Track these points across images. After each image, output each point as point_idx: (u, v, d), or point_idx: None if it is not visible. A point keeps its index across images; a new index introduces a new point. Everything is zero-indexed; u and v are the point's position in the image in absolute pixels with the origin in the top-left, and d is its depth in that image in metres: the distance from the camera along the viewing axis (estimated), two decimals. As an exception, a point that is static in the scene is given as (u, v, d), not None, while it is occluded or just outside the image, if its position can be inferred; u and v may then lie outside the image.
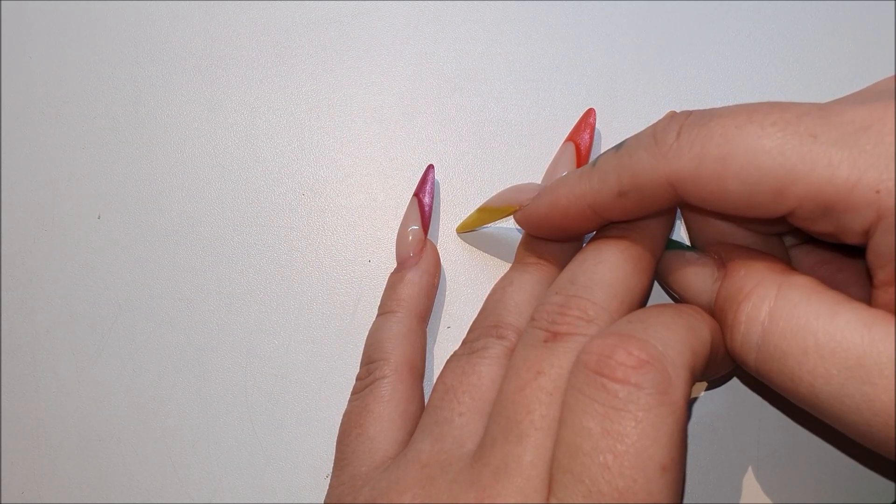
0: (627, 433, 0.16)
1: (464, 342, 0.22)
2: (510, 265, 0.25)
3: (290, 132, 0.28)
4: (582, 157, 0.25)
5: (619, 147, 0.19)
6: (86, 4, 0.30)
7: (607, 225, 0.21)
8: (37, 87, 0.29)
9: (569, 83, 0.27)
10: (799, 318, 0.17)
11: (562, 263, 0.23)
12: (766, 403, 0.24)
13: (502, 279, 0.23)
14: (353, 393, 0.24)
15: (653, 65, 0.27)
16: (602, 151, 0.21)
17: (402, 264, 0.25)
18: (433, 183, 0.26)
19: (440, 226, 0.27)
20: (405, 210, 0.26)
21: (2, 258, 0.28)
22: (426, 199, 0.25)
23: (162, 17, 0.29)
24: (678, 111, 0.19)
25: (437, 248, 0.26)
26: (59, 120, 0.29)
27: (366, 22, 0.28)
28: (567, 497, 0.16)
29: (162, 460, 0.26)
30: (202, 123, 0.28)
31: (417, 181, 0.26)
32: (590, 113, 0.25)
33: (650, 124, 0.19)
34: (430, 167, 0.26)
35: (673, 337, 0.18)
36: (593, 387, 0.17)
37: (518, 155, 0.27)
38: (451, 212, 0.27)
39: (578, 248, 0.23)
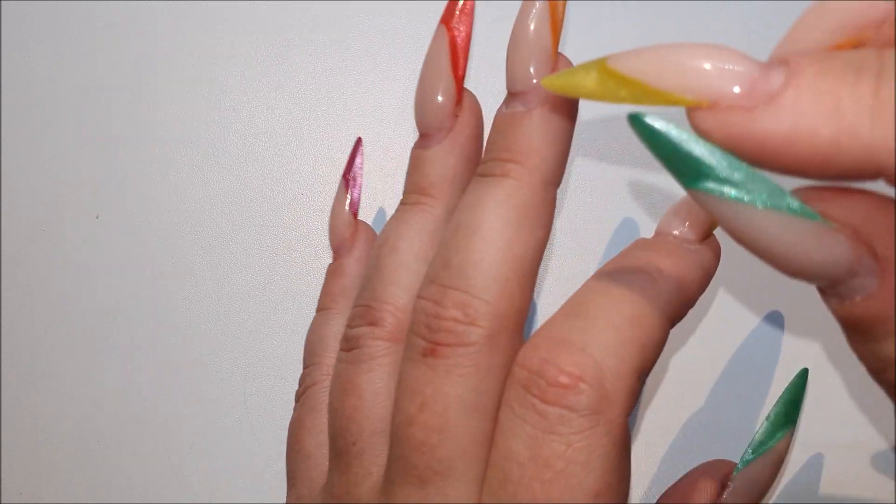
0: (556, 459, 0.15)
1: (345, 327, 0.19)
2: None
3: (290, 131, 0.28)
4: (458, 45, 0.19)
5: None
6: (85, 4, 0.30)
7: (489, 155, 0.17)
8: (35, 87, 0.29)
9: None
10: None
11: (449, 193, 0.19)
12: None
13: (381, 232, 0.20)
14: (295, 399, 0.22)
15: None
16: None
17: (337, 252, 0.23)
18: (361, 158, 0.23)
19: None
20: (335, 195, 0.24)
21: (0, 258, 0.28)
22: (355, 178, 0.23)
23: (161, 17, 0.29)
24: None
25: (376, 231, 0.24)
26: (58, 119, 0.29)
27: (366, 22, 0.28)
28: None
29: (161, 461, 0.26)
30: (201, 123, 0.28)
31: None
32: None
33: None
34: (359, 141, 0.24)
35: (615, 338, 0.15)
36: (524, 406, 0.15)
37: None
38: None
39: (473, 165, 0.19)
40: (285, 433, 0.26)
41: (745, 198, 0.12)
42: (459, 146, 0.19)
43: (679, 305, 0.17)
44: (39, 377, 0.27)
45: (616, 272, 0.17)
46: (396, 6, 0.28)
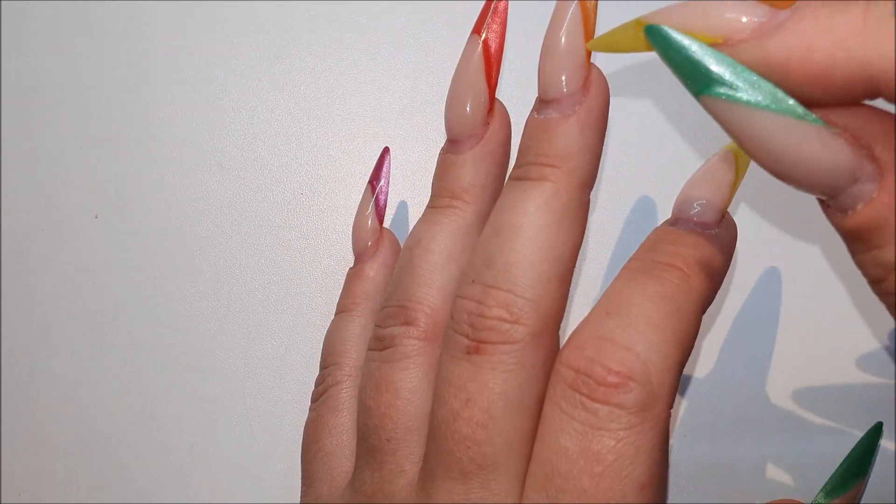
0: (606, 453, 0.15)
1: (375, 326, 0.20)
2: None
3: (289, 131, 0.28)
4: (491, 55, 0.20)
5: None
6: (85, 4, 0.30)
7: (524, 159, 0.18)
8: (34, 87, 0.29)
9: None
10: None
11: (480, 199, 0.20)
12: (768, 403, 0.24)
13: (411, 234, 0.20)
14: (311, 400, 0.22)
15: (653, 64, 0.27)
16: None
17: (359, 257, 0.23)
18: (388, 166, 0.24)
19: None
20: (360, 200, 0.24)
21: (0, 258, 0.28)
22: (381, 186, 0.23)
23: (161, 17, 0.29)
24: None
25: (398, 238, 0.24)
26: (58, 119, 0.29)
27: (366, 21, 0.28)
28: None
29: (160, 461, 0.26)
30: (200, 123, 0.28)
31: (420, 181, 0.26)
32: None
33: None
34: (386, 150, 0.24)
35: (657, 334, 0.16)
36: (571, 404, 0.16)
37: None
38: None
39: (503, 171, 0.20)
40: (285, 433, 0.26)
41: (753, 100, 0.13)
42: (490, 153, 0.20)
43: (710, 293, 0.17)
44: (39, 377, 0.27)
45: (649, 268, 0.17)
46: (396, 6, 0.28)
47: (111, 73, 0.29)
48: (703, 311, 0.17)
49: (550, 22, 0.18)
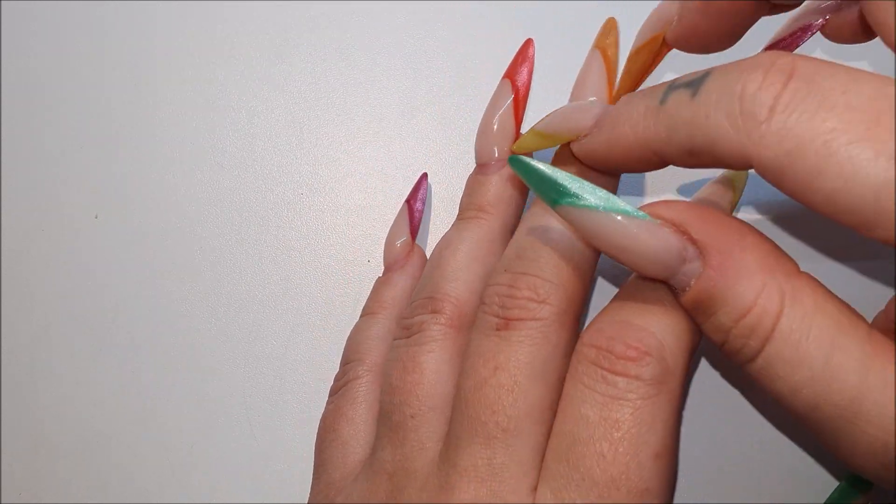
0: (624, 420, 0.16)
1: (401, 317, 0.21)
2: None
3: (289, 131, 0.28)
4: (519, 98, 0.23)
5: (695, 91, 0.16)
6: (85, 4, 0.30)
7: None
8: (35, 87, 0.29)
9: (568, 83, 0.27)
10: (800, 348, 0.15)
11: (504, 212, 0.22)
12: (767, 402, 0.24)
13: (441, 239, 0.22)
14: (329, 394, 0.23)
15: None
16: (674, 79, 0.18)
17: (389, 267, 0.25)
18: (426, 191, 0.26)
19: (429, 231, 0.27)
20: (395, 215, 0.26)
21: (0, 258, 0.28)
22: (417, 206, 0.25)
23: (160, 17, 0.29)
24: (776, 52, 0.16)
25: (426, 254, 0.26)
26: (58, 119, 0.29)
27: (365, 22, 0.28)
28: (559, 486, 0.17)
29: (160, 461, 0.26)
30: (201, 123, 0.28)
31: (415, 181, 0.26)
32: (528, 44, 0.24)
33: (739, 60, 0.16)
34: (424, 175, 0.26)
35: (670, 321, 0.17)
36: (593, 378, 0.17)
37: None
38: (450, 211, 0.27)
39: (525, 190, 0.23)
40: (285, 433, 0.26)
41: (593, 204, 0.17)
42: (514, 174, 0.22)
43: None
44: (39, 377, 0.27)
45: None
46: (396, 6, 0.28)
47: (111, 73, 0.29)
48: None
49: (578, 80, 0.22)
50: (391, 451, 0.19)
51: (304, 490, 0.25)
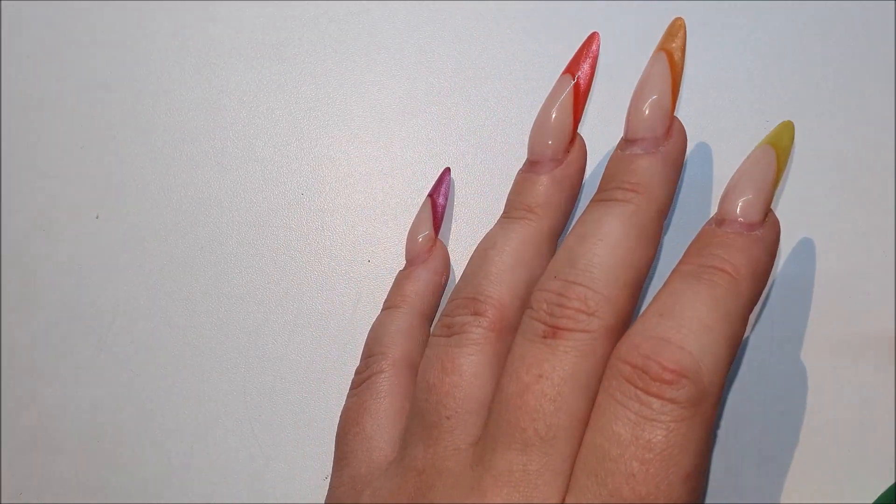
0: (657, 442, 0.16)
1: (442, 315, 0.21)
2: None
3: (289, 131, 0.28)
4: (580, 93, 0.22)
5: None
6: (85, 4, 0.30)
7: (609, 185, 0.20)
8: (35, 87, 0.29)
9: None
10: None
11: (553, 216, 0.21)
12: (767, 402, 0.24)
13: (486, 237, 0.22)
14: (351, 388, 0.23)
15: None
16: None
17: (411, 261, 0.25)
18: (448, 185, 0.26)
19: (452, 227, 0.27)
20: (418, 210, 0.26)
21: (1, 258, 0.28)
22: (440, 201, 0.25)
23: (161, 16, 0.29)
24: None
25: (448, 250, 0.26)
26: (57, 119, 0.29)
27: (365, 22, 0.28)
28: (588, 500, 0.16)
29: (160, 461, 0.26)
30: (201, 123, 0.28)
31: (419, 181, 0.26)
32: (592, 39, 0.22)
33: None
34: (447, 170, 0.26)
35: (709, 336, 0.17)
36: (626, 395, 0.17)
37: (517, 155, 0.27)
38: (452, 211, 0.27)
39: (575, 195, 0.22)
40: (285, 433, 0.26)
41: None
42: (567, 176, 0.22)
43: (756, 295, 0.19)
44: (39, 377, 0.27)
45: (699, 272, 0.18)
46: (396, 6, 0.28)
47: (111, 72, 0.29)
48: (750, 312, 0.18)
49: (645, 77, 0.20)
50: (423, 449, 0.19)
51: (306, 490, 0.25)
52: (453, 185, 0.26)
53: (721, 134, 0.26)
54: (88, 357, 0.27)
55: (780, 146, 0.20)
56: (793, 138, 0.20)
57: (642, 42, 0.27)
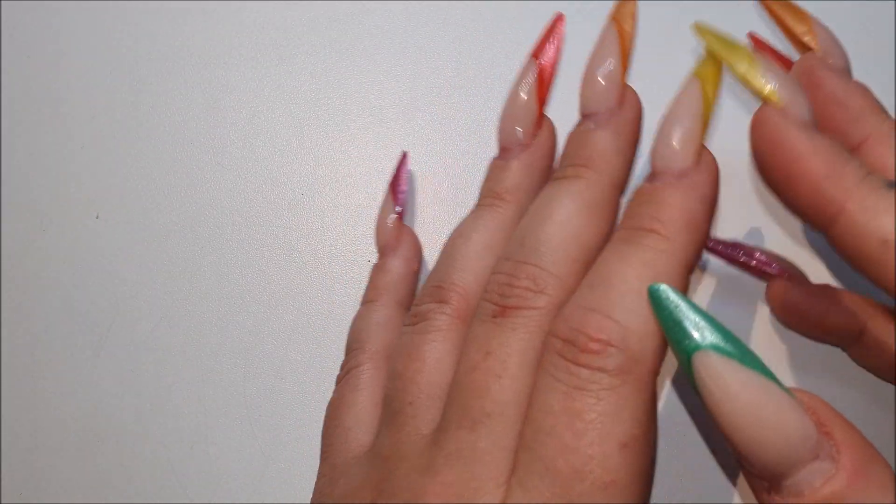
0: (587, 411, 0.16)
1: (412, 306, 0.21)
2: None
3: (290, 131, 0.28)
4: (544, 77, 0.22)
5: None
6: (85, 4, 0.30)
7: (563, 163, 0.20)
8: (36, 87, 0.29)
9: (569, 83, 0.27)
10: None
11: (524, 200, 0.21)
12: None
13: (457, 226, 0.22)
14: (335, 383, 0.24)
15: (654, 64, 0.27)
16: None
17: (382, 252, 0.25)
18: (407, 170, 0.25)
19: (452, 227, 0.27)
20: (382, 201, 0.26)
21: (1, 258, 0.28)
22: (401, 187, 0.25)
23: (161, 17, 0.29)
24: None
25: (420, 236, 0.26)
26: (58, 119, 0.29)
27: (366, 22, 0.28)
28: (526, 476, 0.16)
29: (160, 461, 0.26)
30: (201, 123, 0.28)
31: (419, 181, 0.26)
32: (557, 21, 0.22)
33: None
34: (405, 155, 0.26)
35: (637, 301, 0.17)
36: (558, 368, 0.17)
37: (518, 155, 0.27)
38: (451, 211, 0.27)
39: (546, 178, 0.21)
40: (285, 433, 0.26)
41: (738, 355, 0.15)
42: (536, 160, 0.22)
43: (693, 249, 0.18)
44: (39, 377, 0.27)
45: (630, 236, 0.18)
46: (396, 6, 0.28)
47: (112, 72, 0.29)
48: (691, 270, 0.18)
49: (594, 51, 0.20)
50: (389, 437, 0.19)
51: (305, 489, 0.25)
52: (414, 179, 0.26)
53: (721, 133, 0.26)
54: (87, 357, 0.27)
55: (705, 74, 0.18)
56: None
57: (644, 41, 0.27)
